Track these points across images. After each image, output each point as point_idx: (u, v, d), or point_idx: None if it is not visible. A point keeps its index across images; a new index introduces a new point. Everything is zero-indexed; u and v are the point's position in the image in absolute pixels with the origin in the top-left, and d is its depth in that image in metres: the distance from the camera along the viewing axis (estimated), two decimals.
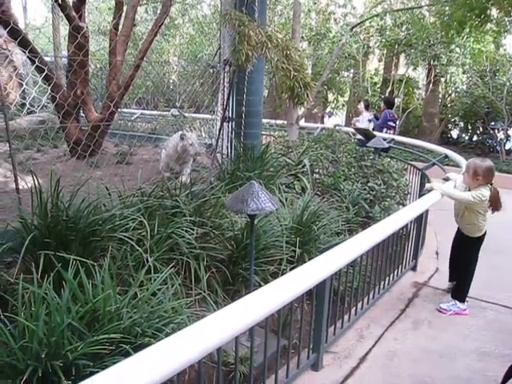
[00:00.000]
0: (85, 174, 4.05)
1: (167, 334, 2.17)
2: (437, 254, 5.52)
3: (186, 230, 3.27)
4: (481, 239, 4.10)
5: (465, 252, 4.16)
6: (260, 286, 2.48)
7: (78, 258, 2.57)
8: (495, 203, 3.91)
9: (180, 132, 5.01)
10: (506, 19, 8.18)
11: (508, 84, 11.53)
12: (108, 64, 5.77)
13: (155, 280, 2.68)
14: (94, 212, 3.04)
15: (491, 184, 3.88)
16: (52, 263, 2.56)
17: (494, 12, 7.41)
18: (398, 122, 10.49)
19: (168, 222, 3.31)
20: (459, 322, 3.83)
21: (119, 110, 6.68)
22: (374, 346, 3.41)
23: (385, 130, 9.16)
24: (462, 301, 4.07)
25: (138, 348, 2.05)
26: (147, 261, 2.86)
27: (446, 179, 4.60)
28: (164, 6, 5.48)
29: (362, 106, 9.69)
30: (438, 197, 4.23)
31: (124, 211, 3.22)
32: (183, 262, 3.15)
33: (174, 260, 3.10)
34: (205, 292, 3.05)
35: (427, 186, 4.39)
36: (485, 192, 3.82)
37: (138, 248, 2.90)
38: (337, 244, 2.93)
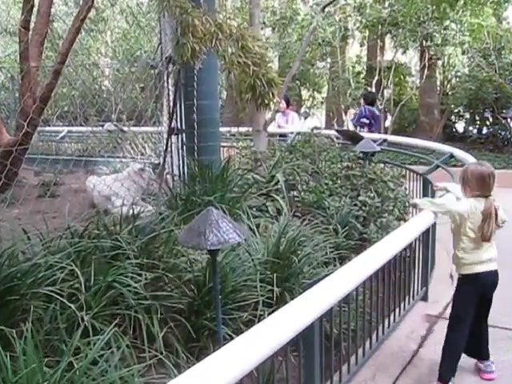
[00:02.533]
0: None
1: None
2: (451, 277, 5.55)
3: (132, 277, 3.21)
4: (467, 282, 3.58)
5: (453, 299, 3.74)
6: (231, 339, 2.43)
7: None
8: (483, 224, 3.42)
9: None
10: None
11: None
12: (20, 72, 5.68)
13: (95, 344, 2.60)
14: (10, 263, 2.94)
15: (486, 197, 3.46)
16: None
17: None
18: (379, 120, 10.82)
19: (108, 268, 3.25)
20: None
21: (38, 128, 6.57)
22: None
23: (358, 128, 9.43)
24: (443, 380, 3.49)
25: None
26: (83, 320, 2.77)
27: (444, 190, 4.34)
28: None
29: (283, 103, 9.90)
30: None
31: (49, 259, 3.14)
32: (131, 318, 3.08)
33: (118, 316, 3.04)
34: (162, 353, 2.98)
35: (411, 201, 4.24)
36: (463, 205, 3.53)
37: (69, 305, 2.82)
38: (325, 277, 2.90)
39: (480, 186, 3.47)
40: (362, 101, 10.62)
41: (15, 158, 5.16)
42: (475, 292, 3.54)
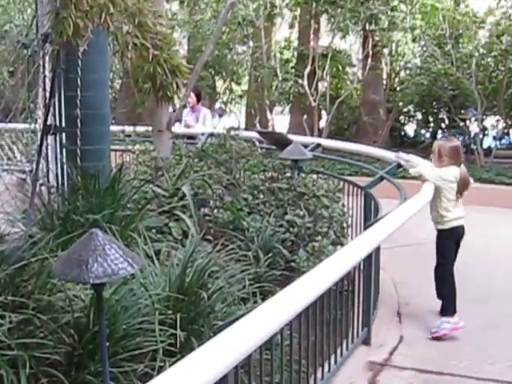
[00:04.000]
0: None
1: None
2: (399, 315, 5.72)
3: None
4: (448, 234, 5.58)
5: (436, 251, 5.66)
6: None
7: None
8: (462, 185, 5.52)
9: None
10: None
11: (476, 55, 12.44)
12: None
13: None
14: None
15: (459, 165, 5.57)
16: None
17: None
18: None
19: None
20: None
21: None
22: None
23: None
24: (452, 314, 5.34)
25: None
26: None
27: (403, 160, 6.31)
28: None
29: (192, 97, 10.07)
30: (395, 226, 4.43)
31: None
32: None
33: None
34: None
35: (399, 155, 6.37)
36: (446, 172, 5.49)
37: None
38: (242, 316, 2.92)
39: (455, 156, 5.56)
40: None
41: None
42: (453, 241, 5.58)
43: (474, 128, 13.15)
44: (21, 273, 3.61)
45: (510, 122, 13.28)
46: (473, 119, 13.12)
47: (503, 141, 13.52)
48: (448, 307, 5.42)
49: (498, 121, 13.34)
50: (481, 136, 12.77)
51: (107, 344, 2.81)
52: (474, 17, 13.24)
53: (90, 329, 3.34)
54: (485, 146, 12.86)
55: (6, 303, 3.32)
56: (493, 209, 10.12)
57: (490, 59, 12.85)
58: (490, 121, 13.34)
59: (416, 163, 6.00)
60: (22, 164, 6.00)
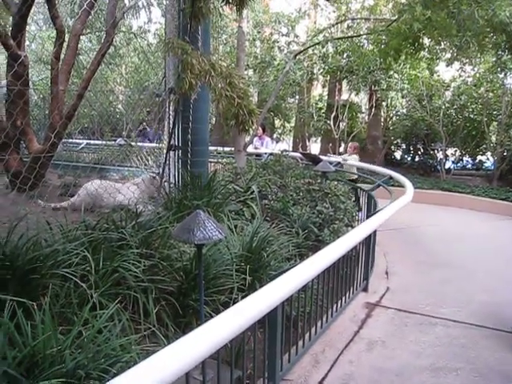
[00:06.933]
0: (25, 207, 3.88)
1: (114, 375, 2.05)
2: (386, 273, 5.61)
3: (133, 263, 3.16)
4: (355, 180, 8.26)
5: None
6: (211, 316, 2.40)
7: (16, 299, 2.40)
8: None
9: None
10: (437, 47, 8.62)
11: (443, 107, 12.15)
12: (50, 93, 5.60)
13: (101, 317, 2.55)
14: (34, 248, 2.88)
15: (357, 154, 8.79)
16: None
17: (426, 41, 7.78)
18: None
19: (114, 256, 3.19)
20: (412, 339, 3.87)
21: (62, 140, 6.48)
22: (329, 370, 3.37)
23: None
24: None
25: None
26: (92, 297, 2.72)
27: (344, 160, 8.58)
28: (107, 34, 5.40)
29: (260, 130, 9.97)
30: (386, 217, 4.36)
31: (67, 246, 3.07)
32: (131, 296, 3.03)
33: (120, 295, 2.98)
34: (154, 326, 2.94)
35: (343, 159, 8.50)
36: (354, 157, 8.56)
37: (81, 284, 2.77)
38: (287, 270, 2.90)
39: (357, 149, 8.83)
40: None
41: (43, 163, 5.10)
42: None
43: (439, 155, 12.80)
44: (151, 235, 3.65)
45: (463, 152, 12.87)
46: (439, 149, 12.81)
47: (458, 164, 13.10)
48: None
49: (455, 151, 12.96)
50: (444, 160, 12.40)
51: (203, 282, 2.82)
52: (443, 82, 12.92)
53: (193, 272, 3.37)
54: (446, 167, 12.47)
55: (142, 254, 3.36)
56: (450, 208, 9.90)
57: (452, 111, 12.48)
58: (450, 151, 12.96)
59: (341, 158, 8.68)
60: (154, 168, 6.08)
